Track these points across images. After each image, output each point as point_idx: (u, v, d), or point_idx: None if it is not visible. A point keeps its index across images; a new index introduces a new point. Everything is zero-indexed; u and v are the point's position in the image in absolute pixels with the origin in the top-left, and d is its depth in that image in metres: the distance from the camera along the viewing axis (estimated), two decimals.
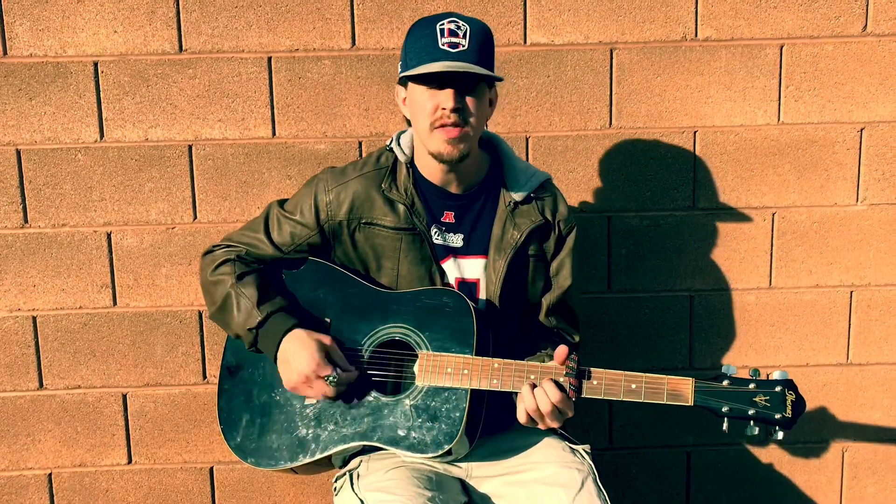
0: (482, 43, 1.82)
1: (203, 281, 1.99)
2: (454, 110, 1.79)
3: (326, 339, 1.88)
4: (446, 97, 1.78)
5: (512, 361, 1.80)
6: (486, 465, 1.92)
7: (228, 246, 2.00)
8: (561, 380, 1.76)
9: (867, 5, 2.36)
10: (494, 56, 1.88)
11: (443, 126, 1.80)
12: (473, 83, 1.81)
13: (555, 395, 1.74)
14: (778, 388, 1.72)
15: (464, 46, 1.78)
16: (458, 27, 1.80)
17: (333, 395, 1.87)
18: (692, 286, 2.46)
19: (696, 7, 2.34)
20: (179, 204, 2.36)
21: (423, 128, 1.84)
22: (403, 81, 1.88)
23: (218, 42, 2.30)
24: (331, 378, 1.84)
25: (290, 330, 1.87)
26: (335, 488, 1.91)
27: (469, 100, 1.80)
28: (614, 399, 1.77)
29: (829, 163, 2.42)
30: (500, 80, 1.86)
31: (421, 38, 1.81)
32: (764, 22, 2.35)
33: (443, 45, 1.78)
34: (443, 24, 1.80)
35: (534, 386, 1.76)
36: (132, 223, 2.36)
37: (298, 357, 1.85)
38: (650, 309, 2.47)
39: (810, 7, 2.35)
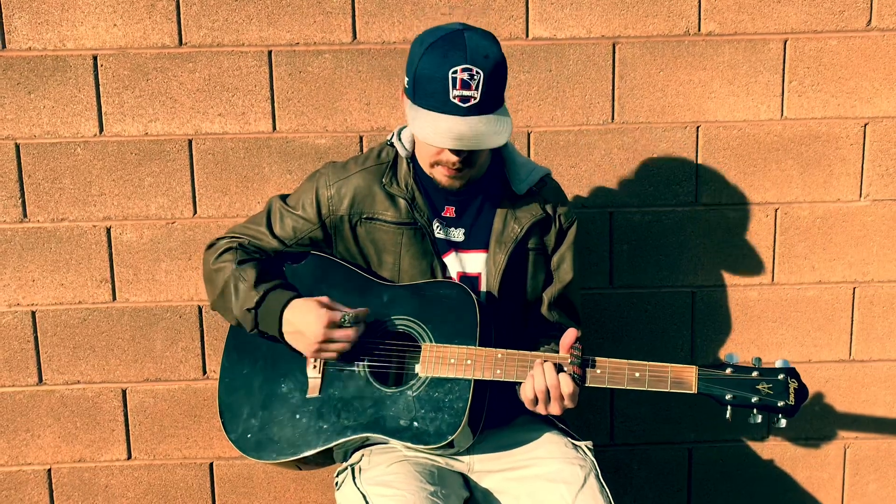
0: (494, 85, 1.75)
1: (206, 271, 1.98)
2: (459, 163, 1.80)
3: (323, 298, 1.87)
4: (450, 155, 1.79)
5: (515, 352, 1.80)
6: (487, 460, 1.91)
7: (231, 237, 2.00)
8: (565, 368, 1.76)
9: (871, 0, 2.34)
10: (506, 83, 1.81)
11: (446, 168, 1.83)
12: None
13: (567, 386, 1.73)
14: (780, 376, 1.73)
15: (475, 99, 1.72)
16: (472, 77, 1.71)
17: (357, 335, 1.84)
18: (694, 282, 2.45)
19: (700, 1, 2.32)
20: (179, 198, 2.35)
21: (424, 160, 1.86)
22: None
23: (218, 36, 2.29)
24: (345, 319, 1.82)
25: (288, 303, 1.86)
26: (337, 483, 1.90)
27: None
28: (618, 387, 1.77)
29: (833, 158, 2.41)
30: (506, 141, 1.80)
31: (431, 80, 1.73)
32: (767, 16, 2.34)
33: (454, 97, 1.71)
34: (455, 73, 1.71)
35: (560, 369, 1.75)
36: (132, 218, 2.35)
37: (306, 321, 1.83)
38: (652, 305, 2.46)
39: (814, 1, 2.34)
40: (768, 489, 2.56)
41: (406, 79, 1.82)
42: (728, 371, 1.74)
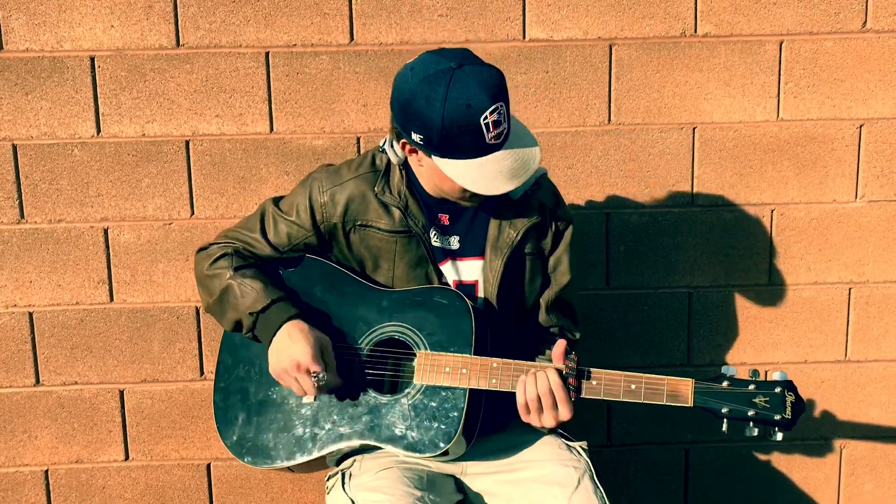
0: (508, 105, 1.77)
1: (199, 274, 1.97)
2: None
3: (326, 340, 1.86)
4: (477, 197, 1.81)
5: (511, 361, 1.80)
6: (481, 463, 1.92)
7: (225, 243, 1.98)
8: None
9: (867, 1, 2.35)
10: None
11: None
12: None
13: (554, 379, 1.73)
14: (777, 389, 1.72)
15: (506, 129, 1.74)
16: (500, 113, 1.71)
17: (314, 395, 1.84)
18: (690, 283, 2.46)
19: (696, 3, 2.33)
20: (177, 199, 2.35)
21: (446, 191, 1.84)
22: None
23: (215, 37, 2.29)
24: (320, 376, 1.80)
25: (291, 318, 1.85)
26: (327, 487, 1.91)
27: None
28: (613, 399, 1.76)
29: (828, 159, 2.42)
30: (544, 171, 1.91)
31: (462, 133, 1.69)
32: (763, 18, 2.34)
33: (490, 139, 1.71)
34: (486, 119, 1.69)
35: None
36: (129, 219, 2.36)
37: (296, 346, 1.81)
38: (648, 306, 2.46)
39: (810, 3, 2.34)
40: (765, 490, 2.57)
41: (417, 135, 1.73)
42: (725, 384, 1.73)
